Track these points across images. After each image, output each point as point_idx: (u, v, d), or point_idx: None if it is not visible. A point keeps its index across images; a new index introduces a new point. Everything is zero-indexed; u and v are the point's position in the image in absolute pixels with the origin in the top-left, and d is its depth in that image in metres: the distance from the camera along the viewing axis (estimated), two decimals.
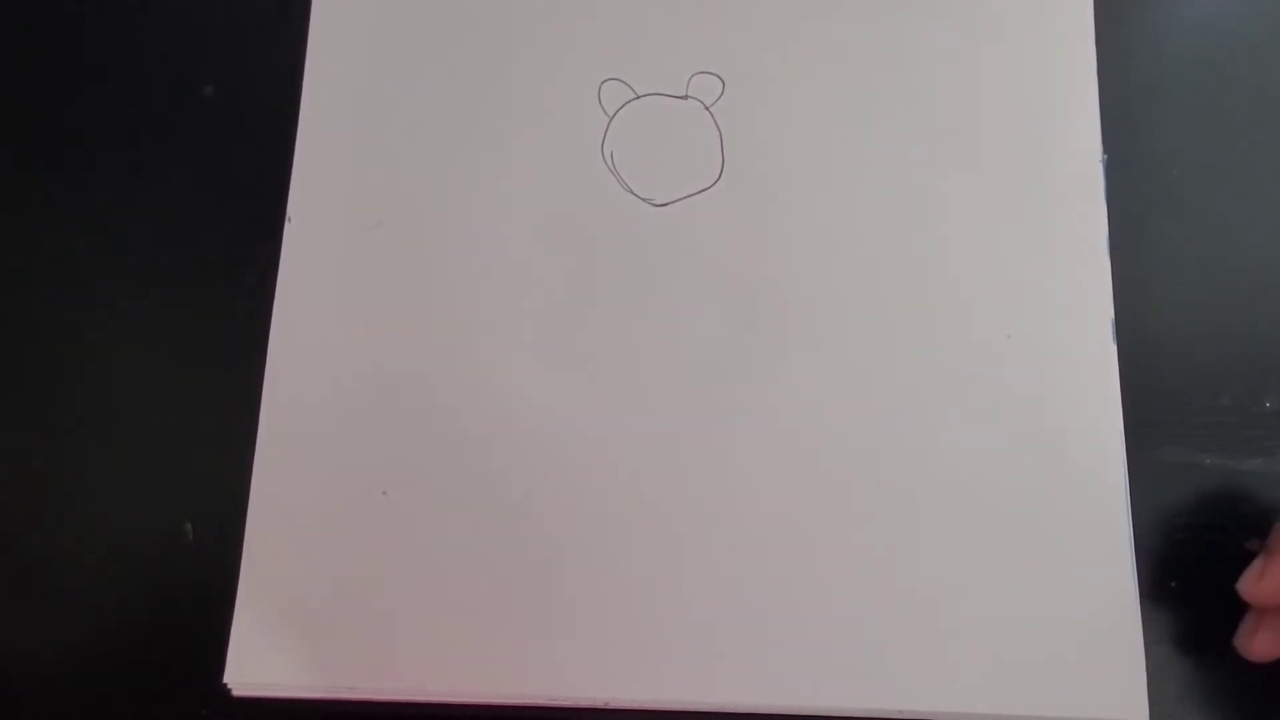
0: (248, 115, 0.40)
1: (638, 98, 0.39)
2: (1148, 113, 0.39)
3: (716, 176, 0.38)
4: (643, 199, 0.38)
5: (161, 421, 0.37)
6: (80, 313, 0.38)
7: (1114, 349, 0.36)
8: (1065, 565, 0.34)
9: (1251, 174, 0.39)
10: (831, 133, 0.38)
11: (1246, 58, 0.40)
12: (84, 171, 0.40)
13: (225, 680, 0.34)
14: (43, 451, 0.37)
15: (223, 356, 0.37)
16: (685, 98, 0.39)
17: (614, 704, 0.33)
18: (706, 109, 0.39)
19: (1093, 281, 0.37)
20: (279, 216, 0.38)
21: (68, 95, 0.41)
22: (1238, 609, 0.33)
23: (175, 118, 0.40)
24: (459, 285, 0.37)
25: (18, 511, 0.37)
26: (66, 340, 0.38)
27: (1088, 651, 0.33)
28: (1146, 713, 0.33)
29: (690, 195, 0.38)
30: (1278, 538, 0.31)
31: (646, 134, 0.38)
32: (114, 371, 0.38)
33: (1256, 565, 0.32)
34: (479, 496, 0.35)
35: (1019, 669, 0.33)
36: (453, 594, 0.34)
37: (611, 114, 0.39)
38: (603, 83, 0.39)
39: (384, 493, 0.35)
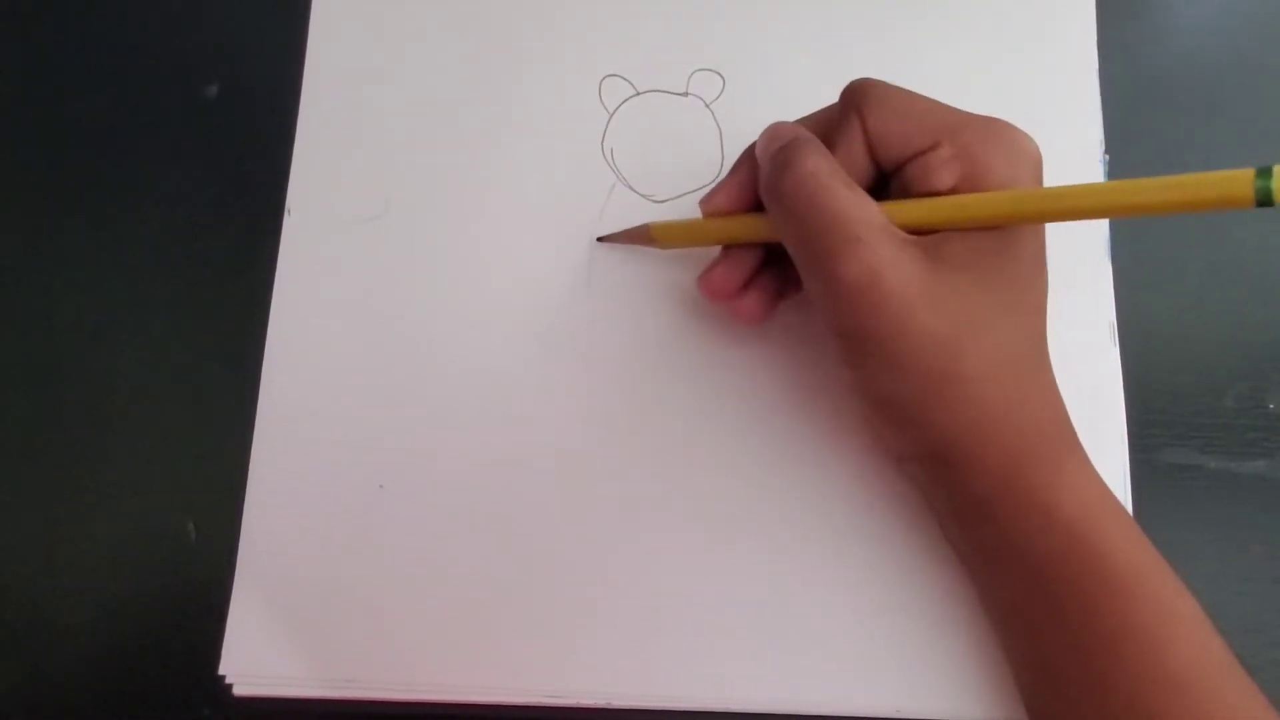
0: (251, 115, 0.40)
1: (638, 94, 0.39)
2: (1149, 112, 0.39)
3: (716, 174, 0.38)
4: (642, 195, 0.38)
5: (164, 420, 0.37)
6: (83, 312, 0.38)
7: (1116, 351, 0.36)
8: None
9: None
10: None
11: (1247, 57, 0.40)
12: (87, 171, 0.40)
13: (221, 672, 0.34)
14: (44, 451, 0.37)
15: (228, 354, 0.37)
16: (685, 95, 0.39)
17: (614, 704, 0.33)
18: (707, 106, 0.39)
19: (1094, 284, 0.37)
20: (280, 216, 0.38)
21: (73, 95, 0.41)
22: (1241, 611, 0.32)
23: (179, 117, 0.40)
24: (457, 279, 0.37)
25: (21, 513, 0.37)
26: (69, 339, 0.38)
27: None
28: None
29: (690, 192, 0.38)
30: (738, 161, 0.33)
31: (647, 130, 0.38)
32: (118, 369, 0.38)
33: (717, 183, 0.33)
34: (477, 492, 0.35)
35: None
36: (449, 590, 0.34)
37: (612, 110, 0.39)
38: (603, 79, 0.39)
39: (380, 486, 0.35)
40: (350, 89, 0.39)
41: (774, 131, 0.31)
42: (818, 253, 0.28)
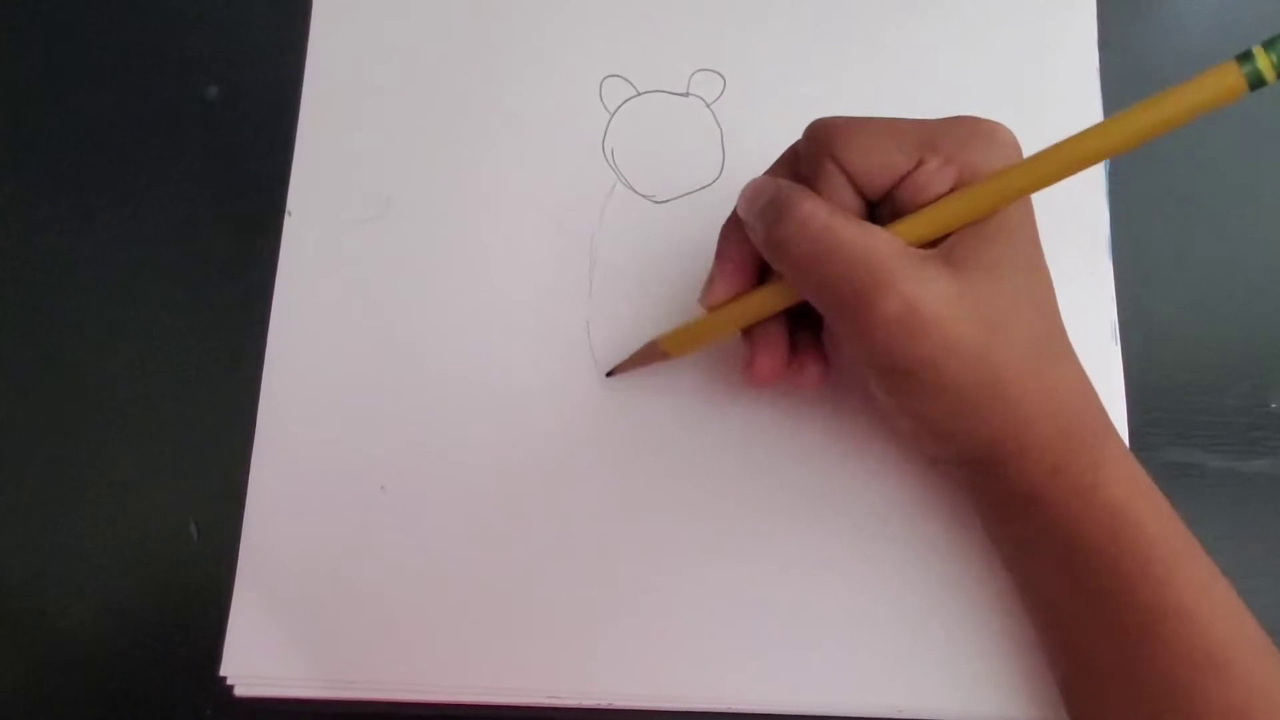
0: (251, 115, 0.40)
1: (639, 95, 0.39)
2: None
3: (717, 174, 0.38)
4: (643, 195, 0.38)
5: (165, 421, 0.37)
6: (83, 312, 0.38)
7: (1117, 349, 0.36)
8: None
9: (1254, 173, 0.39)
10: None
11: None
12: (88, 171, 0.40)
13: (222, 673, 0.34)
14: (44, 451, 0.37)
15: (228, 354, 0.37)
16: (686, 95, 0.39)
17: (614, 704, 0.33)
18: (707, 106, 0.39)
19: (1095, 282, 0.37)
20: (281, 216, 0.38)
21: (73, 96, 0.41)
22: None
23: (180, 118, 0.40)
24: (458, 280, 0.37)
25: (21, 513, 0.37)
26: (69, 339, 0.38)
27: None
28: None
29: (691, 192, 0.38)
30: (722, 242, 0.32)
31: (647, 131, 0.38)
32: (118, 369, 0.38)
33: (710, 273, 0.32)
34: (479, 493, 0.35)
35: (1022, 673, 0.33)
36: (451, 591, 0.34)
37: (613, 111, 0.39)
38: (604, 79, 0.39)
39: (382, 487, 0.35)
40: (350, 89, 0.39)
41: (752, 191, 0.30)
42: (845, 295, 0.27)
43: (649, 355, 0.34)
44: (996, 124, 0.29)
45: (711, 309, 0.32)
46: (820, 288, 0.28)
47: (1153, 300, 0.37)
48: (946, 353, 0.27)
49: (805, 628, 0.34)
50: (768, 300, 0.31)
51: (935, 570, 0.34)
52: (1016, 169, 0.28)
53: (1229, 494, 0.36)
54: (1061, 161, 0.27)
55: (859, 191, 0.29)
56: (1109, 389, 0.36)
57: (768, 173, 0.31)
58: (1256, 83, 0.24)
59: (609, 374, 0.36)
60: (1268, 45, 0.24)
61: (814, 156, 0.29)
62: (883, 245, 0.27)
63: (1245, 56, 0.24)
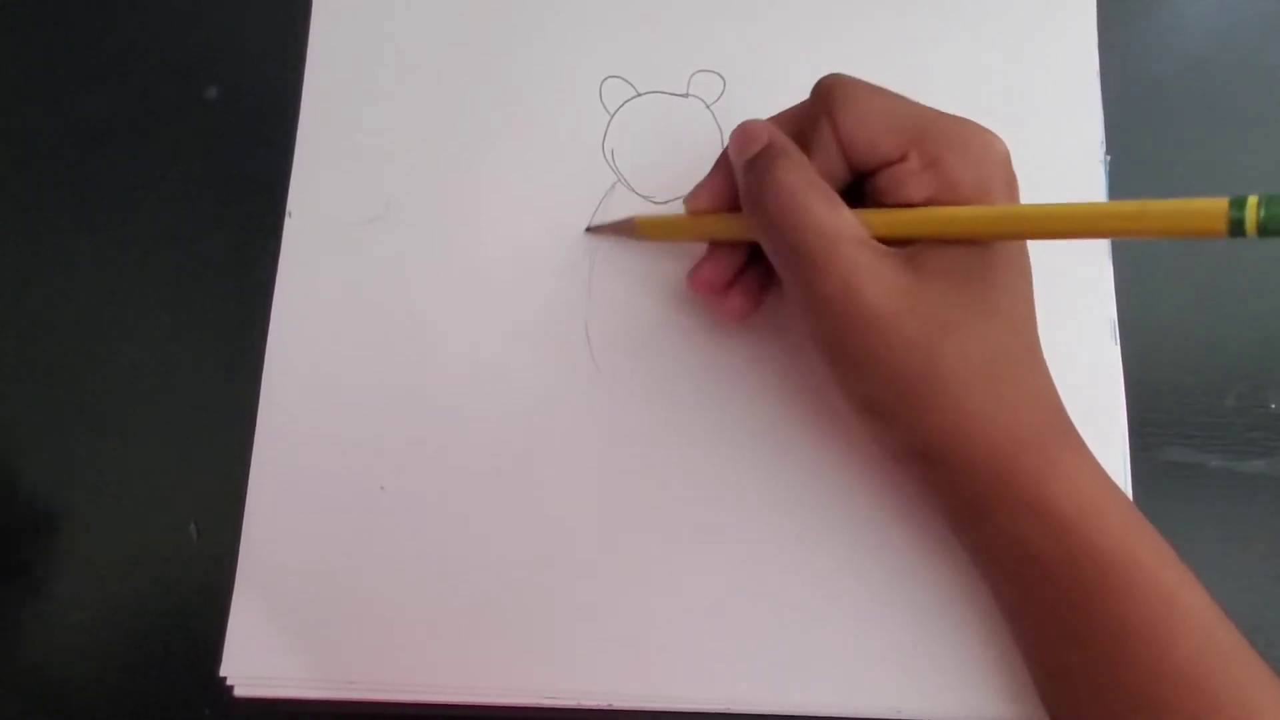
0: (251, 116, 0.40)
1: (639, 95, 0.39)
2: (1150, 113, 0.39)
3: None
4: (642, 196, 0.38)
5: (165, 421, 0.37)
6: (83, 313, 0.39)
7: (1117, 350, 0.36)
8: None
9: (1254, 173, 0.39)
10: None
11: (1248, 58, 0.40)
12: (88, 173, 0.40)
13: (222, 673, 0.34)
14: (45, 452, 0.37)
15: (228, 355, 0.37)
16: (686, 96, 0.39)
17: (614, 704, 0.33)
18: (707, 107, 0.39)
19: (1095, 282, 0.37)
20: (281, 217, 0.38)
21: (73, 96, 0.41)
22: (1242, 610, 0.33)
23: (179, 120, 0.40)
24: (458, 280, 0.37)
25: (24, 512, 0.37)
26: (69, 339, 0.38)
27: None
28: None
29: None
30: (722, 157, 0.33)
31: (647, 132, 0.38)
32: (118, 370, 0.38)
33: (701, 180, 0.33)
34: (478, 493, 0.35)
35: (1022, 674, 0.33)
36: (450, 591, 0.34)
37: (613, 111, 0.39)
38: (604, 80, 0.39)
39: (381, 487, 0.35)
40: (350, 90, 0.39)
41: (747, 134, 0.31)
42: (796, 265, 0.29)
43: (625, 229, 0.36)
44: (993, 137, 0.29)
45: (690, 213, 0.34)
46: (779, 253, 0.29)
47: (1153, 300, 0.37)
48: (881, 344, 0.28)
49: (805, 628, 0.34)
50: (734, 227, 0.33)
51: (936, 571, 0.34)
52: (985, 214, 0.28)
53: (1227, 494, 0.36)
54: (1033, 228, 0.28)
55: (847, 161, 0.30)
56: (1109, 389, 0.36)
57: (774, 119, 0.32)
58: (1237, 231, 0.23)
59: (588, 230, 0.37)
60: (1266, 201, 0.23)
61: (815, 112, 0.30)
62: (845, 230, 0.28)
63: (1238, 202, 0.23)
